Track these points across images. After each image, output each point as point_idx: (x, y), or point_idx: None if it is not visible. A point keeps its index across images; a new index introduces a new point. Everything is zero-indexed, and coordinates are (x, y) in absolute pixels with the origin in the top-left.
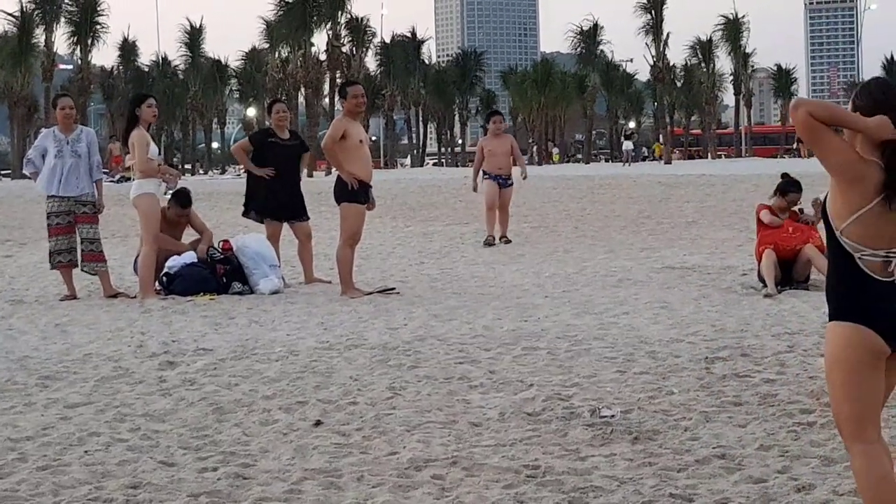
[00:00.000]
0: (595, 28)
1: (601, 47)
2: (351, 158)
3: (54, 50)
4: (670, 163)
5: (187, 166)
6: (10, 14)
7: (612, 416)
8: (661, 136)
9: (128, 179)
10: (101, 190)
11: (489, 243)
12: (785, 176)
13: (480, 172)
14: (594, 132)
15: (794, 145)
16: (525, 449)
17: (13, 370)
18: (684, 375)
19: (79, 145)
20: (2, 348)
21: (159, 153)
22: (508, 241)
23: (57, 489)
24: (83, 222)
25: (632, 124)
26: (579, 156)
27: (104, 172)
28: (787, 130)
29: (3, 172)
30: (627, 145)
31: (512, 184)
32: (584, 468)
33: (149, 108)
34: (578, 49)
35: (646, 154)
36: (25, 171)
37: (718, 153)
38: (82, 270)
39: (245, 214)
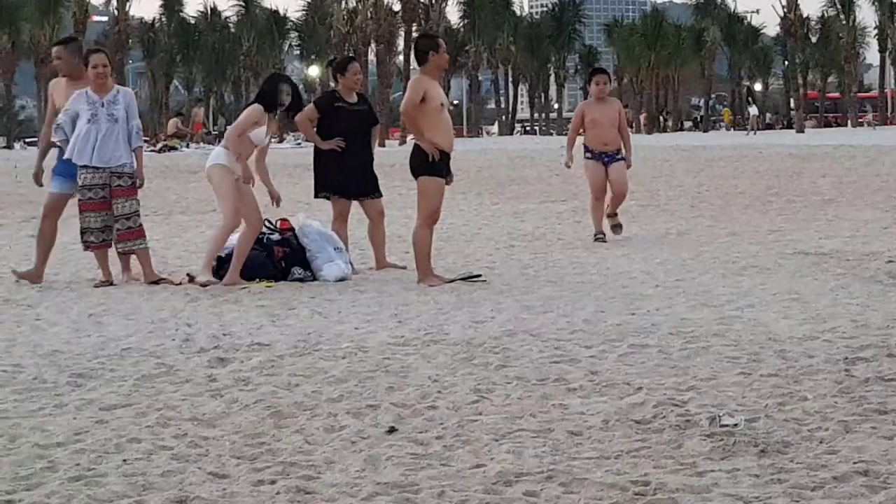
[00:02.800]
0: None
1: None
2: (431, 124)
3: None
4: (803, 131)
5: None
6: None
7: (735, 424)
8: (791, 101)
9: (172, 149)
10: (141, 160)
11: (599, 239)
12: None
13: (582, 147)
14: (713, 95)
15: None
16: (632, 462)
17: (41, 367)
18: (820, 379)
19: (115, 108)
20: (28, 342)
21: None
22: (618, 225)
23: (92, 503)
24: (119, 196)
25: (758, 86)
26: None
27: (144, 140)
28: None
29: (28, 140)
30: (752, 110)
31: (622, 158)
32: (702, 485)
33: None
34: None
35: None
36: (54, 139)
37: (860, 120)
38: (118, 252)
39: (318, 195)
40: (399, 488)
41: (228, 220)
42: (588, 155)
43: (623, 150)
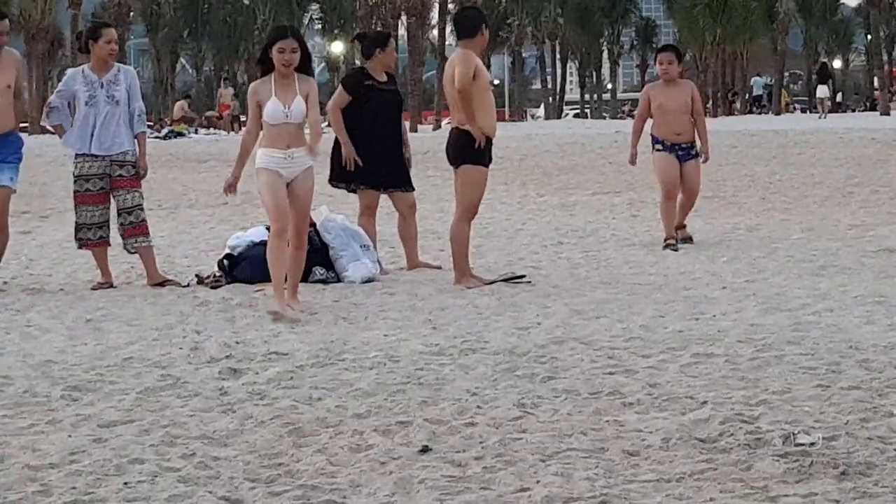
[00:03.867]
0: None
1: None
2: (478, 105)
3: None
4: (888, 114)
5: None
6: None
7: (812, 443)
8: (874, 80)
9: (178, 134)
10: (144, 147)
11: (671, 246)
12: None
13: (650, 138)
14: (788, 74)
15: None
16: (696, 486)
17: (33, 378)
18: None
19: (116, 89)
20: (18, 350)
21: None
22: (688, 238)
23: None
24: (121, 187)
25: (837, 63)
26: (765, 104)
27: (148, 126)
28: None
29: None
30: (822, 91)
31: (697, 155)
32: None
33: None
34: None
35: (765, 105)
36: (45, 123)
37: None
38: (126, 250)
39: (336, 184)
40: None
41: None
42: (658, 147)
43: (699, 141)
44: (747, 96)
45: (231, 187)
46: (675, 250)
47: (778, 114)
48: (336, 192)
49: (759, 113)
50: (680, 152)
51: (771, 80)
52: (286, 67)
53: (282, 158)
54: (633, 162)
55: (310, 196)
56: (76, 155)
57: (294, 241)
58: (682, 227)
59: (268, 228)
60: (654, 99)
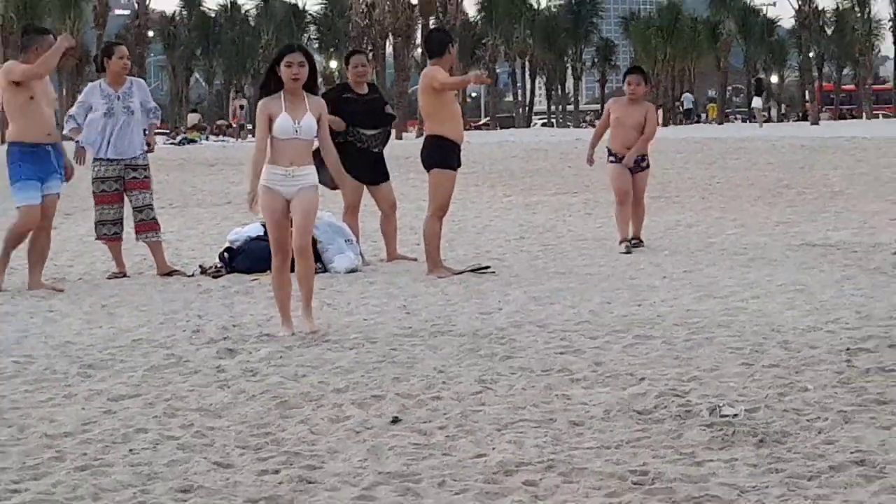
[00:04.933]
0: None
1: None
2: (444, 115)
3: None
4: (818, 123)
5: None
6: None
7: (735, 415)
8: (806, 93)
9: (191, 141)
10: (152, 131)
11: (627, 250)
12: None
13: (605, 150)
14: (730, 88)
15: None
16: (632, 452)
17: (52, 357)
18: (821, 369)
19: (131, 100)
20: (41, 332)
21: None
22: (640, 243)
23: (97, 492)
24: (134, 188)
25: (774, 78)
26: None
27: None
28: None
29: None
30: (757, 102)
31: (648, 166)
32: (700, 475)
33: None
34: None
35: (700, 116)
36: (66, 131)
37: (875, 112)
38: (141, 241)
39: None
40: (400, 478)
41: None
42: (612, 159)
43: (648, 159)
44: (680, 110)
45: (253, 205)
46: (629, 252)
47: (720, 123)
48: (324, 191)
49: (690, 123)
50: (631, 164)
51: (714, 93)
52: (295, 81)
53: (282, 176)
54: (589, 162)
55: (311, 214)
56: (94, 159)
57: (297, 258)
58: (635, 237)
59: (263, 225)
60: (614, 112)
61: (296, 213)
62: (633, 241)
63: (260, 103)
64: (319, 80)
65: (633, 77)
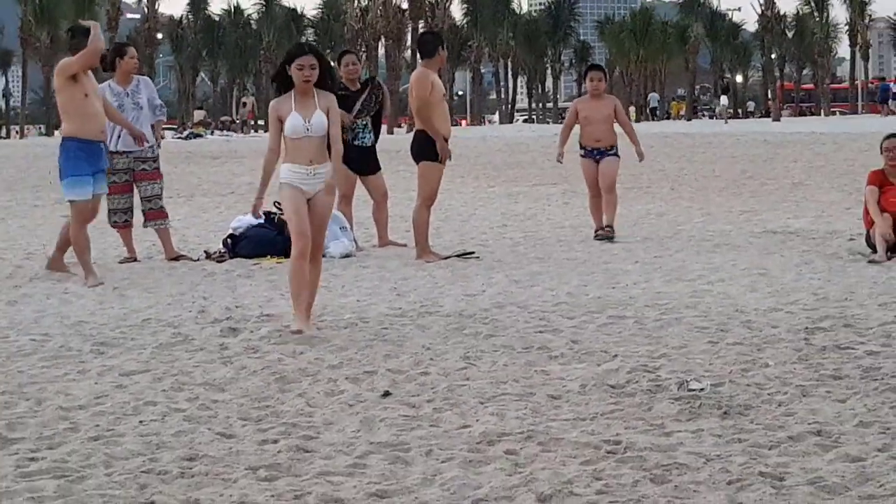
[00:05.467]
0: None
1: None
2: (434, 113)
3: None
4: (779, 120)
5: (260, 122)
6: None
7: (702, 389)
8: (769, 91)
9: (197, 136)
10: (159, 130)
11: (599, 236)
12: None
13: (578, 145)
14: (697, 87)
15: None
16: (606, 423)
17: (68, 335)
18: (781, 347)
19: (139, 97)
20: (57, 313)
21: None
22: (610, 235)
23: (109, 460)
24: (143, 179)
25: (739, 78)
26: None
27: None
28: None
29: None
30: (723, 100)
31: (614, 153)
32: (669, 444)
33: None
34: None
35: (668, 114)
36: None
37: (832, 110)
38: (151, 227)
39: None
40: (391, 447)
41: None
42: (582, 152)
43: (633, 144)
44: (647, 109)
45: (256, 210)
46: (601, 240)
47: (689, 119)
48: None
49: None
50: (597, 155)
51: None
52: (306, 83)
53: (304, 174)
54: (559, 159)
55: (328, 212)
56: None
57: (310, 256)
58: (608, 226)
59: (265, 213)
60: (581, 111)
61: (315, 215)
62: (606, 229)
63: (271, 104)
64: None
65: (594, 73)
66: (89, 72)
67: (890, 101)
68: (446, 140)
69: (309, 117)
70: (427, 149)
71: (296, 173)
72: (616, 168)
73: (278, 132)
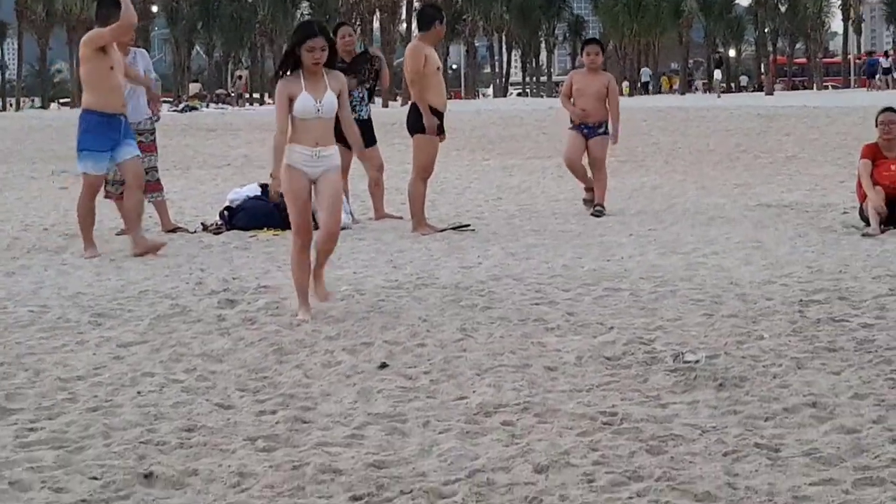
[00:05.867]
0: None
1: None
2: (428, 85)
3: None
4: (772, 94)
5: (255, 95)
6: None
7: (697, 361)
8: (762, 66)
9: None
10: (157, 104)
11: (586, 200)
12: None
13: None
14: (691, 61)
15: None
16: (602, 395)
17: (66, 307)
18: (776, 319)
19: (136, 68)
20: (55, 284)
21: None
22: (600, 212)
23: (107, 431)
24: (141, 151)
25: (732, 53)
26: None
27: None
28: None
29: (62, 101)
30: (717, 75)
31: (605, 132)
32: (665, 416)
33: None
34: None
35: (660, 87)
36: None
37: (825, 84)
38: (147, 200)
39: None
40: (388, 418)
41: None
42: (570, 125)
43: (611, 125)
44: (638, 84)
45: (276, 195)
46: (596, 216)
47: (683, 93)
48: None
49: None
50: (586, 130)
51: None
52: (316, 66)
53: (309, 156)
54: (578, 115)
55: (339, 197)
56: None
57: (324, 239)
58: (598, 204)
59: (261, 186)
60: (576, 83)
61: (323, 197)
62: (596, 207)
63: (279, 84)
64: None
65: (591, 47)
66: (114, 44)
67: (878, 76)
68: (442, 114)
69: (320, 98)
70: (422, 121)
71: (299, 154)
72: (605, 147)
73: (287, 112)
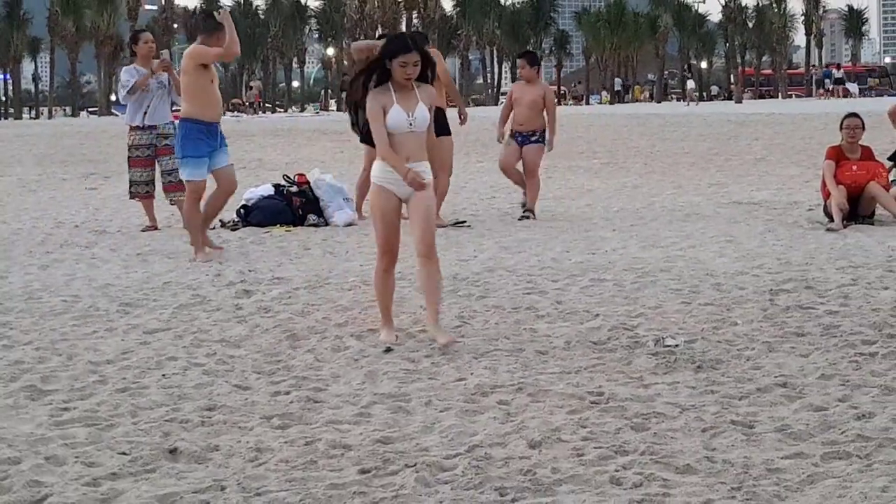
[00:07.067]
0: None
1: None
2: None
3: None
4: (741, 102)
5: (267, 105)
6: None
7: (676, 345)
8: (731, 77)
9: None
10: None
11: (523, 203)
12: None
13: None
14: (666, 72)
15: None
16: (590, 376)
17: (96, 297)
18: (748, 307)
19: (161, 76)
20: (85, 276)
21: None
22: (528, 216)
23: (135, 410)
24: (164, 154)
25: (703, 64)
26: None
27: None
28: (856, 70)
29: (90, 109)
30: (690, 84)
31: (538, 140)
32: (648, 395)
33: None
34: None
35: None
36: (122, 99)
37: (789, 93)
38: (170, 202)
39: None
40: (393, 398)
41: None
42: (509, 133)
43: (547, 133)
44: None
45: (416, 182)
46: (526, 217)
47: (659, 102)
48: (325, 156)
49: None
50: (520, 138)
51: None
52: (408, 80)
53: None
54: (499, 140)
55: (432, 214)
56: (130, 128)
57: (423, 260)
58: (529, 209)
59: (274, 186)
60: (514, 93)
61: (416, 215)
62: (525, 211)
63: (369, 96)
64: (318, 65)
65: (520, 60)
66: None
67: (826, 82)
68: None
69: (412, 111)
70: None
71: (388, 172)
72: (538, 155)
73: (384, 125)
